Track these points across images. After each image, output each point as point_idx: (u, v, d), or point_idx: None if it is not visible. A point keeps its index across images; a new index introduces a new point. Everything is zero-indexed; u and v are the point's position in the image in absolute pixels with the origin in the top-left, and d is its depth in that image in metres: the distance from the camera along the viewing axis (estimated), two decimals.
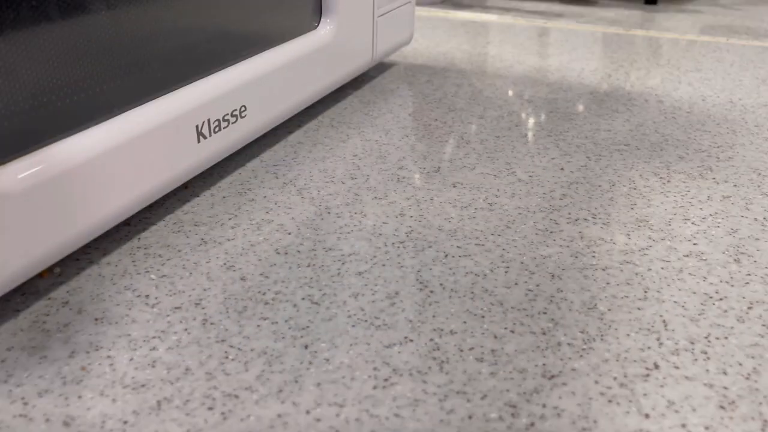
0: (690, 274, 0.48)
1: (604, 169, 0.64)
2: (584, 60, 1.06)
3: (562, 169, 0.64)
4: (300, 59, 0.66)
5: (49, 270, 0.46)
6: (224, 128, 0.56)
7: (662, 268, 0.48)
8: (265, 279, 0.46)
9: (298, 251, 0.49)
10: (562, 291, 0.45)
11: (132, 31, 0.46)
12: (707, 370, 0.38)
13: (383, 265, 0.48)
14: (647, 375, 0.38)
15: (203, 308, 0.43)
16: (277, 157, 0.67)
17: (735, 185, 0.62)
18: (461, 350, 0.39)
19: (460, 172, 0.63)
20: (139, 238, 0.51)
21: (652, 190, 0.60)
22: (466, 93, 0.88)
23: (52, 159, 0.40)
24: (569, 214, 0.56)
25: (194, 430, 0.33)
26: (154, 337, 0.40)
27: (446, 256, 0.49)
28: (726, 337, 0.41)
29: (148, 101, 0.48)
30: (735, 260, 0.49)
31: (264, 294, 0.44)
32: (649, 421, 0.34)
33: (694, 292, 0.45)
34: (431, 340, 0.40)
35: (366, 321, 0.42)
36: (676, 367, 0.38)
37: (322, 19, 0.72)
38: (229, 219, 0.54)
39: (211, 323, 0.41)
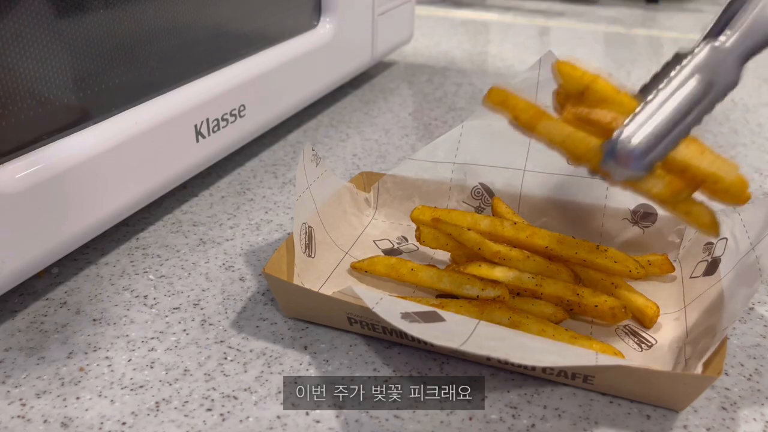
0: None
1: None
2: (585, 59, 1.06)
3: None
4: (299, 58, 0.66)
5: (47, 270, 0.46)
6: (223, 128, 0.55)
7: None
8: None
9: None
10: None
11: (130, 30, 0.46)
12: None
13: None
14: None
15: (202, 309, 0.43)
16: (276, 156, 0.66)
17: None
18: None
19: None
20: (138, 239, 0.51)
21: None
22: (467, 92, 0.88)
23: (50, 158, 0.40)
24: None
25: None
26: (152, 338, 0.40)
27: None
28: (728, 338, 0.40)
29: (147, 100, 0.48)
30: None
31: (263, 294, 0.44)
32: (650, 422, 0.34)
33: None
34: None
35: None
36: None
37: (321, 18, 0.71)
38: (228, 219, 0.54)
39: (210, 324, 0.41)
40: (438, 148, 0.52)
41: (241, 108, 0.57)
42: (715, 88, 0.32)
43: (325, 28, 0.71)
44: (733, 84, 0.32)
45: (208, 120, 0.53)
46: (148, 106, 0.48)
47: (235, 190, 0.59)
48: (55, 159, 0.40)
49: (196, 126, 0.52)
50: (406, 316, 0.34)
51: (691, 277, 0.43)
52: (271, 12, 0.63)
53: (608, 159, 0.32)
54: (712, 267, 0.41)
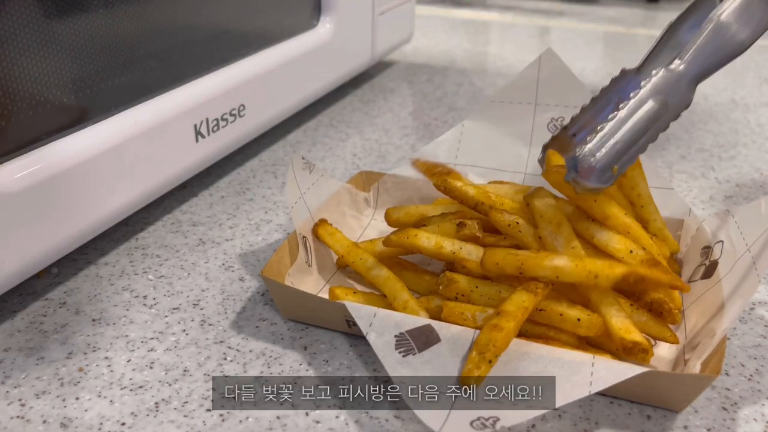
0: None
1: None
2: (585, 59, 1.06)
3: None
4: (299, 58, 0.66)
5: (47, 270, 0.46)
6: (223, 127, 0.55)
7: None
8: None
9: None
10: None
11: (130, 30, 0.46)
12: None
13: None
14: None
15: (201, 309, 0.43)
16: (276, 156, 0.66)
17: (737, 185, 0.61)
18: None
19: None
20: (137, 239, 0.51)
21: None
22: (467, 92, 0.88)
23: (50, 158, 0.40)
24: None
25: None
26: (152, 338, 0.40)
27: None
28: (728, 338, 0.40)
29: (146, 100, 0.48)
30: None
31: (263, 295, 0.44)
32: (650, 423, 0.34)
33: None
34: None
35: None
36: None
37: (321, 18, 0.71)
38: (228, 219, 0.54)
39: (210, 324, 0.41)
40: (438, 148, 0.52)
41: (241, 108, 0.57)
42: (669, 109, 0.35)
43: (324, 28, 0.71)
44: (686, 105, 0.35)
45: (207, 120, 0.53)
46: (147, 106, 0.48)
47: (235, 190, 0.59)
48: (54, 159, 0.40)
49: (195, 126, 0.52)
50: (400, 341, 0.34)
51: (689, 281, 0.43)
52: (271, 12, 0.63)
53: (571, 173, 0.35)
54: (710, 270, 0.41)
